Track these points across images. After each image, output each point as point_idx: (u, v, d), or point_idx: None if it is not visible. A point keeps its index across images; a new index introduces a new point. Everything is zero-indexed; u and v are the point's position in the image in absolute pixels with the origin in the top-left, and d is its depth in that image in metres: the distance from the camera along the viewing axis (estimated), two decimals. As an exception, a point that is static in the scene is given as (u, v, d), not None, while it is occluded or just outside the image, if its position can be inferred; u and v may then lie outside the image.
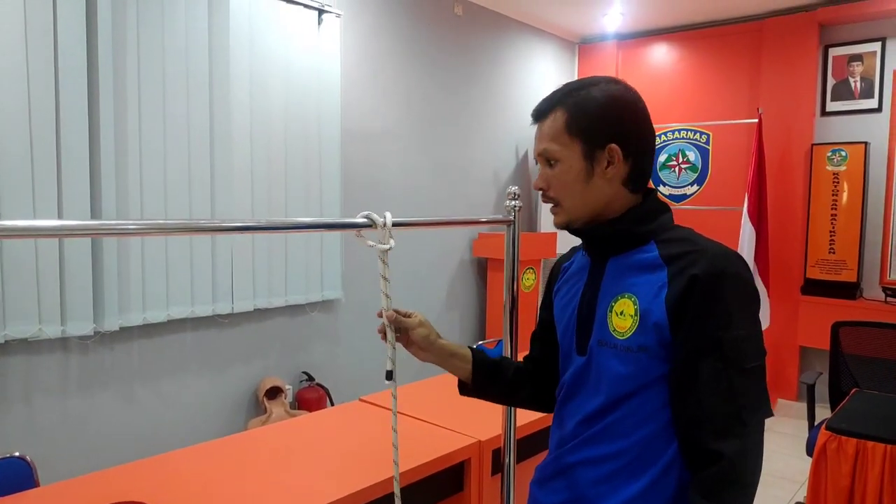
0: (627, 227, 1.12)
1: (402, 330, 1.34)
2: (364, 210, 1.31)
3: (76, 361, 2.87)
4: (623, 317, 1.08)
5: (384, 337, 1.34)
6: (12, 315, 2.62)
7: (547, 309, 1.32)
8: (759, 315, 1.07)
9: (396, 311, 1.33)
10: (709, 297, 1.01)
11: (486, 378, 1.34)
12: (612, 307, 1.10)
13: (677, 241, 1.09)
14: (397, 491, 1.36)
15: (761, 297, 4.61)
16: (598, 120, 1.09)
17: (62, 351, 2.82)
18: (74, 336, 2.80)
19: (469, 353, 1.35)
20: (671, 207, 1.18)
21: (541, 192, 1.18)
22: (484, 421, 2.08)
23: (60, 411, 2.83)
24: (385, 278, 1.31)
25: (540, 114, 1.15)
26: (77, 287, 2.78)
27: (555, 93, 1.15)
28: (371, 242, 1.28)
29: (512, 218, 1.63)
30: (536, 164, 1.20)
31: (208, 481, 1.68)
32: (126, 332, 3.00)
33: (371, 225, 1.28)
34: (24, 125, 2.61)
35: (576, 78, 5.92)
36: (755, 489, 1.02)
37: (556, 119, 1.12)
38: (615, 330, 1.08)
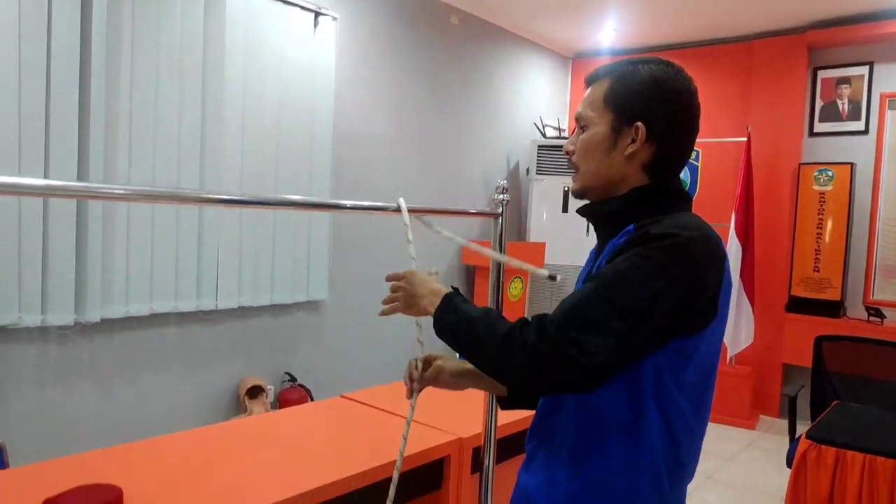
0: (622, 207, 1.09)
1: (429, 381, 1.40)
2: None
3: (55, 351, 2.83)
4: None
5: (409, 394, 1.40)
6: (-7, 302, 2.59)
7: None
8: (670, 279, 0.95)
9: (419, 364, 1.37)
10: (632, 243, 0.98)
11: None
12: None
13: (655, 222, 1.02)
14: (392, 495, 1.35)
15: (746, 313, 4.65)
16: (634, 96, 1.08)
17: (41, 340, 2.79)
18: (54, 326, 2.76)
19: None
20: (690, 201, 1.12)
21: (567, 158, 1.17)
22: (466, 419, 2.07)
23: (36, 401, 2.78)
24: (419, 326, 1.39)
25: (590, 79, 1.16)
26: (59, 276, 2.75)
27: (612, 63, 1.15)
28: (446, 233, 1.46)
29: (500, 211, 1.64)
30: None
31: (183, 467, 1.66)
32: (107, 324, 2.97)
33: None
34: (14, 112, 2.59)
35: (569, 92, 6.01)
36: (495, 360, 0.99)
37: (600, 87, 1.12)
38: None
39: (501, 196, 1.63)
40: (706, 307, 0.99)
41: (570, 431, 1.07)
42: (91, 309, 2.85)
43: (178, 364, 3.28)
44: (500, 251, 1.64)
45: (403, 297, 1.26)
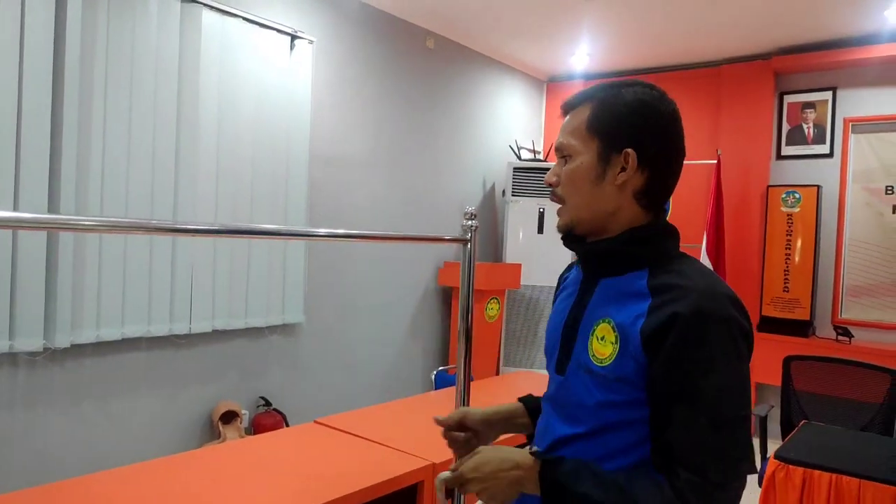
0: (622, 248, 1.05)
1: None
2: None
3: (23, 378, 2.78)
4: (604, 343, 1.02)
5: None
6: (-42, 328, 2.55)
7: None
8: (746, 361, 0.97)
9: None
10: (690, 339, 0.93)
11: None
12: (595, 331, 1.04)
13: (671, 273, 1.00)
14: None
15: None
16: (621, 121, 1.03)
17: (9, 366, 2.74)
18: (23, 352, 2.72)
19: (521, 405, 1.30)
20: (679, 237, 1.10)
21: (551, 191, 1.11)
22: (439, 444, 2.07)
23: (4, 429, 2.72)
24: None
25: (568, 107, 1.10)
26: (28, 301, 2.71)
27: (589, 88, 1.09)
28: None
29: (468, 237, 1.66)
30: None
31: (154, 497, 1.64)
32: (77, 350, 2.93)
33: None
34: (-17, 134, 2.58)
35: (543, 115, 6.10)
36: None
37: (581, 114, 1.07)
38: (594, 355, 1.03)
39: (470, 222, 1.65)
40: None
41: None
42: (61, 334, 2.81)
43: (150, 389, 3.24)
44: (469, 276, 1.66)
45: (480, 488, 1.02)
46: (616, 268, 1.05)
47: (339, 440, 2.17)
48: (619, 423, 1.00)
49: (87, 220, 1.07)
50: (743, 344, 0.96)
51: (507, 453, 1.03)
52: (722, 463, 0.93)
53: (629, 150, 1.02)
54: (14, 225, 0.95)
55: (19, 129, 2.67)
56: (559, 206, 1.11)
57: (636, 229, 1.05)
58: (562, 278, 1.27)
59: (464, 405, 1.68)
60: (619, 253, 1.05)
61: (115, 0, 2.96)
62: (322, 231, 1.44)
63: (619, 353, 0.99)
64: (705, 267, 1.05)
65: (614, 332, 1.00)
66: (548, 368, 1.17)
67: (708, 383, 0.93)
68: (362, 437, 2.18)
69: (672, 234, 1.08)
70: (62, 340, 2.81)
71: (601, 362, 1.01)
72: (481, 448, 1.06)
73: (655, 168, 1.04)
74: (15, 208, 2.67)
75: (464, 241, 1.66)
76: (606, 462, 1.00)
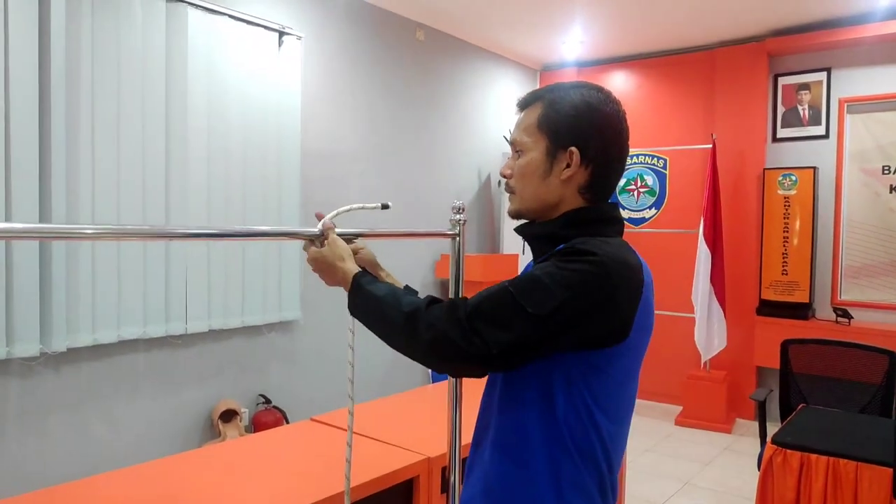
0: (556, 230, 1.13)
1: None
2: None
3: (20, 383, 2.78)
4: None
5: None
6: (-47, 335, 2.55)
7: None
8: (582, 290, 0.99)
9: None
10: (554, 254, 1.05)
11: None
12: None
13: (575, 241, 1.07)
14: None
15: (718, 318, 4.72)
16: (566, 121, 1.11)
17: (4, 373, 2.74)
18: (19, 357, 2.72)
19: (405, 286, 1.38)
20: (622, 225, 1.16)
21: (505, 181, 1.20)
22: (434, 438, 2.07)
23: (3, 434, 2.73)
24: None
25: (523, 104, 1.19)
26: (23, 306, 2.71)
27: (542, 88, 1.19)
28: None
29: (456, 232, 1.65)
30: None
31: (152, 498, 1.64)
32: (74, 353, 2.93)
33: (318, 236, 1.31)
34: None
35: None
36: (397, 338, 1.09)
37: (532, 112, 1.15)
38: None
39: (458, 216, 1.64)
40: (617, 327, 1.03)
41: (493, 432, 1.15)
42: (57, 338, 2.81)
43: (148, 391, 3.24)
44: (459, 270, 1.65)
45: (317, 263, 1.27)
46: (553, 247, 1.11)
47: (335, 436, 2.17)
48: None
49: (89, 229, 1.09)
50: (587, 282, 0.99)
51: (346, 252, 1.25)
52: (476, 313, 1.00)
53: (573, 148, 1.10)
54: (22, 235, 0.95)
55: (7, 136, 2.66)
56: (511, 195, 1.19)
57: (570, 212, 1.13)
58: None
59: (457, 398, 1.67)
60: (554, 234, 1.13)
61: (98, 1, 2.94)
62: (314, 229, 1.41)
63: None
64: (625, 245, 1.10)
65: None
66: None
67: (531, 272, 1.02)
68: (357, 433, 2.18)
69: (608, 219, 1.14)
70: (59, 345, 2.81)
71: None
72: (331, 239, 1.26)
73: (598, 165, 1.11)
74: (7, 216, 2.66)
75: (452, 236, 1.65)
76: (534, 402, 1.08)
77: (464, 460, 1.77)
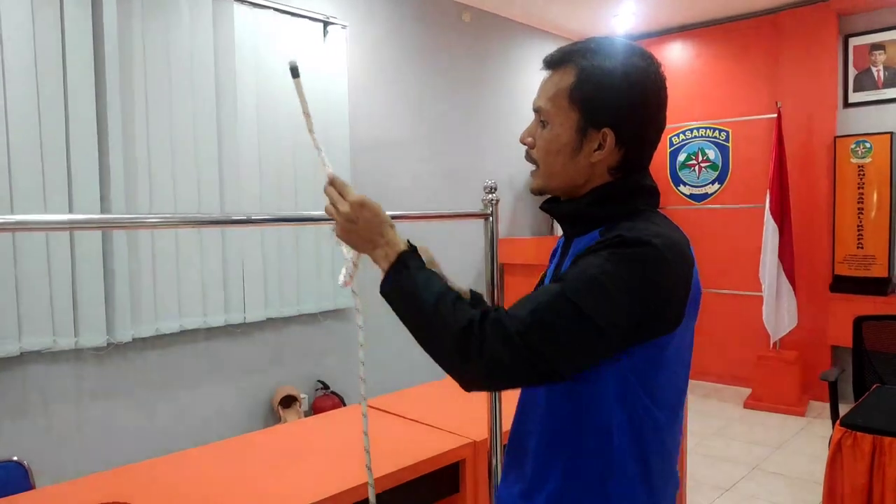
0: (585, 208, 1.03)
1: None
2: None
3: (91, 371, 2.93)
4: None
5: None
6: (28, 327, 2.70)
7: None
8: (644, 297, 0.91)
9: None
10: (593, 250, 0.93)
11: None
12: None
13: (622, 227, 0.96)
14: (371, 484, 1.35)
15: (787, 296, 4.50)
16: (604, 96, 0.98)
17: (77, 361, 2.89)
18: (88, 347, 2.86)
19: (467, 291, 1.39)
20: (657, 195, 1.06)
21: (525, 149, 1.10)
22: (479, 422, 2.06)
23: (75, 420, 2.89)
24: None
25: (551, 63, 1.05)
26: (89, 300, 2.84)
27: (574, 45, 1.04)
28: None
29: (489, 212, 1.62)
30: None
31: (199, 483, 1.70)
32: (139, 343, 3.06)
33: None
34: (36, 144, 2.69)
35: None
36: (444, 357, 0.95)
37: (564, 78, 1.02)
38: None
39: (490, 196, 1.61)
40: (674, 315, 0.95)
41: (538, 438, 1.05)
42: (121, 329, 2.94)
43: (210, 378, 3.36)
44: (494, 253, 1.62)
45: (344, 223, 1.12)
46: (583, 227, 1.04)
47: (386, 420, 2.19)
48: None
49: (151, 218, 1.12)
50: (648, 276, 0.90)
51: (387, 218, 1.12)
52: (530, 330, 0.88)
53: (607, 129, 0.99)
54: (86, 226, 1.00)
55: (68, 135, 2.78)
56: (533, 169, 1.09)
57: (597, 188, 1.03)
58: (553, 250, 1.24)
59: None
60: (585, 213, 1.04)
61: (148, 4, 3.03)
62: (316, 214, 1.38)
63: None
64: (667, 220, 1.00)
65: None
66: None
67: (583, 272, 0.90)
68: (401, 416, 2.20)
69: (639, 191, 1.03)
70: (123, 335, 2.94)
71: None
72: (367, 200, 1.12)
73: (632, 146, 1.01)
74: (70, 210, 2.80)
75: (484, 216, 1.62)
76: (584, 405, 0.99)
77: (504, 446, 1.75)
